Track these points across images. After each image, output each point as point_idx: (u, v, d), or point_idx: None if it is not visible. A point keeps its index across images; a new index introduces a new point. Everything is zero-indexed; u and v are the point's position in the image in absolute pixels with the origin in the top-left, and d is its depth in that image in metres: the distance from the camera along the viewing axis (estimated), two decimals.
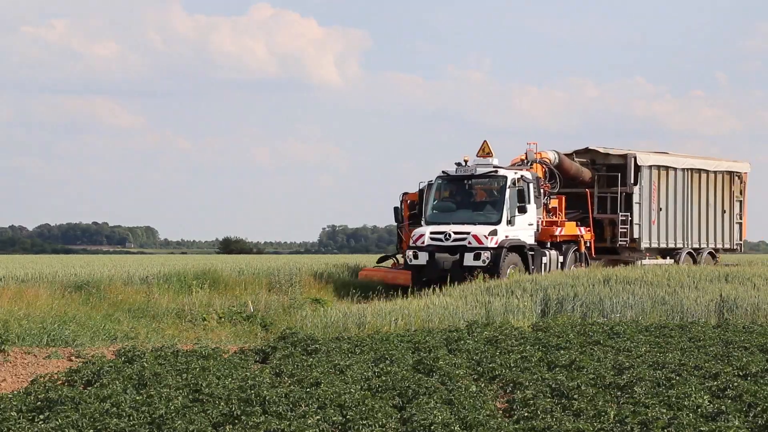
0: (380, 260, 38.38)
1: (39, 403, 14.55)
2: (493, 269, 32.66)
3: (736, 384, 15.47)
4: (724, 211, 42.52)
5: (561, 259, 35.59)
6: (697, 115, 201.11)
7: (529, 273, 33.41)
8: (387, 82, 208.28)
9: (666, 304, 27.52)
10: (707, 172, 41.68)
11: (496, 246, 33.10)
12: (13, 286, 27.74)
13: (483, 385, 16.59)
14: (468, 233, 33.20)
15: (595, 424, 13.28)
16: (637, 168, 38.63)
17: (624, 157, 38.76)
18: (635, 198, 38.56)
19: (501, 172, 34.42)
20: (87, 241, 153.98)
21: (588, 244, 36.94)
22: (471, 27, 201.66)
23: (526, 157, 36.05)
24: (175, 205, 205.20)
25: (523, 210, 34.01)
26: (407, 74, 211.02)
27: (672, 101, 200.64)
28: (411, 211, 36.08)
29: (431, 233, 33.49)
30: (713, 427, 12.76)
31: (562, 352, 19.50)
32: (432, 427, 12.98)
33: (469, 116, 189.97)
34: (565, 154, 38.04)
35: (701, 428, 12.77)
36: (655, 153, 40.47)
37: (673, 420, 13.17)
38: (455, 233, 33.28)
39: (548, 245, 35.35)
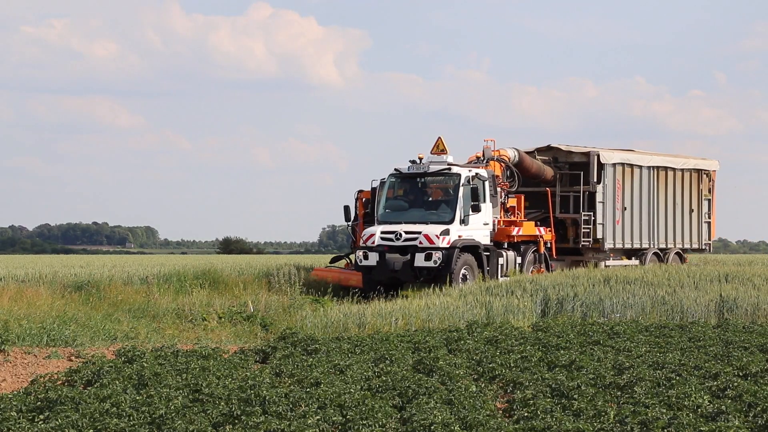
0: (333, 260, 36.88)
1: (39, 403, 14.55)
2: (444, 270, 31.54)
3: (736, 384, 15.47)
4: (692, 210, 41.49)
5: (519, 260, 34.39)
6: (697, 115, 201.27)
7: (484, 275, 32.52)
8: (386, 81, 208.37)
9: (666, 304, 27.51)
10: (674, 170, 40.60)
11: (448, 246, 31.88)
12: (13, 286, 27.76)
13: (483, 385, 16.59)
14: (419, 233, 32.03)
15: (595, 424, 13.28)
16: (601, 166, 37.60)
17: (587, 154, 37.65)
18: (598, 197, 37.53)
19: (455, 169, 33.14)
20: (87, 241, 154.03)
21: (548, 245, 35.90)
22: (470, 27, 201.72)
23: (483, 155, 34.96)
24: (175, 205, 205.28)
25: (477, 209, 32.78)
26: (407, 74, 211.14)
27: (671, 101, 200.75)
28: (365, 209, 35.00)
29: (382, 233, 32.38)
30: (713, 427, 12.76)
31: (562, 352, 19.50)
32: (432, 427, 12.98)
33: (468, 116, 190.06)
34: (527, 152, 37.03)
35: (701, 428, 12.77)
36: (620, 150, 39.44)
37: (673, 420, 13.17)
38: (406, 233, 32.14)
39: (505, 246, 34.17)
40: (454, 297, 28.15)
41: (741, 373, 17.08)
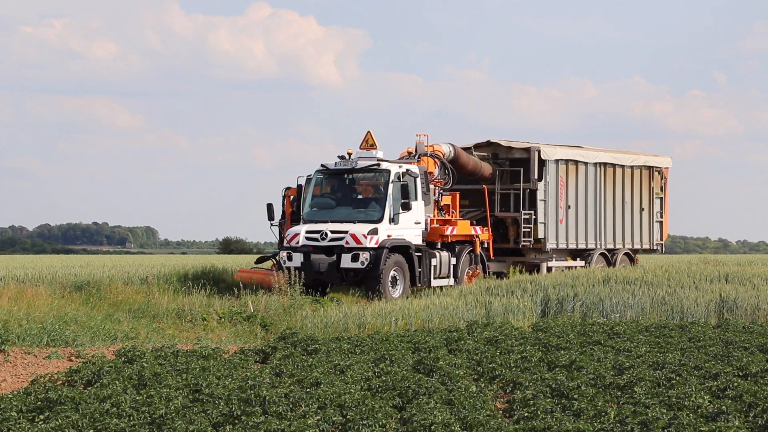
0: (259, 261, 34.52)
1: (39, 403, 14.55)
2: (372, 272, 29.91)
3: (736, 384, 15.47)
4: (642, 209, 39.49)
5: (453, 261, 32.54)
6: (697, 115, 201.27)
7: (416, 276, 30.95)
8: (386, 81, 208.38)
9: (666, 304, 27.53)
10: (623, 167, 38.65)
11: (376, 246, 30.11)
12: (13, 286, 27.74)
13: (483, 385, 16.60)
14: (346, 232, 30.30)
15: (595, 424, 13.28)
16: (542, 162, 35.66)
17: (527, 150, 35.78)
18: (540, 195, 35.57)
19: (384, 165, 31.23)
20: (87, 241, 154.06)
21: (485, 245, 34.00)
22: (470, 27, 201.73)
23: (415, 150, 33.11)
24: (175, 205, 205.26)
25: (407, 207, 30.81)
26: (406, 74, 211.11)
27: (671, 101, 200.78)
28: (293, 207, 33.13)
29: (307, 232, 30.70)
30: (713, 427, 12.77)
31: (562, 352, 19.50)
32: (432, 427, 12.98)
33: (468, 116, 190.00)
34: (465, 148, 35.47)
35: (701, 428, 12.77)
36: (565, 146, 37.51)
37: (673, 420, 13.17)
38: (332, 232, 30.44)
39: (439, 246, 32.32)
40: (454, 297, 28.17)
41: (741, 373, 17.08)
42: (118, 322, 24.34)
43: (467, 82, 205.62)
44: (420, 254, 31.32)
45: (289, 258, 30.57)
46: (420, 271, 31.17)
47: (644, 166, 39.57)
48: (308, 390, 15.36)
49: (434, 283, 31.66)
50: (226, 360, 18.77)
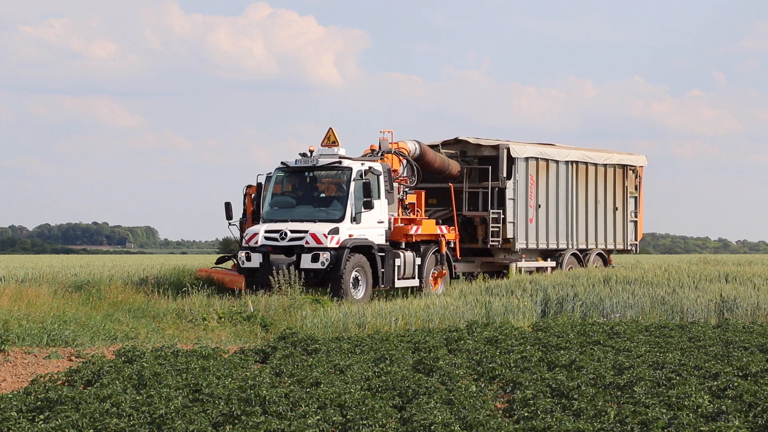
0: (219, 260, 33.44)
1: (39, 403, 14.55)
2: (333, 272, 29.00)
3: (736, 384, 15.47)
4: (615, 209, 38.62)
5: (418, 261, 31.48)
6: (696, 115, 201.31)
7: (379, 277, 30.03)
8: (386, 81, 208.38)
9: (666, 304, 27.54)
10: (595, 165, 37.79)
11: (337, 246, 29.19)
12: (13, 286, 27.74)
13: (483, 385, 16.59)
14: (306, 232, 29.38)
15: (595, 424, 13.28)
16: (511, 160, 34.81)
17: (496, 148, 34.89)
18: (509, 193, 34.74)
19: (345, 163, 30.25)
20: (87, 241, 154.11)
21: (452, 245, 32.95)
22: (469, 27, 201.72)
23: (379, 147, 32.09)
24: (175, 205, 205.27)
25: (369, 206, 29.76)
26: (406, 74, 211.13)
27: (671, 101, 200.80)
28: (254, 206, 32.00)
29: (266, 232, 29.74)
30: (713, 427, 12.77)
31: (562, 352, 19.50)
32: (432, 427, 12.98)
33: (468, 116, 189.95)
34: (432, 145, 34.72)
35: (701, 428, 12.77)
36: (535, 144, 36.61)
37: (673, 420, 13.17)
38: (292, 232, 29.50)
39: (403, 246, 31.32)
40: (454, 297, 28.18)
41: (741, 373, 17.08)
42: (118, 322, 24.34)
43: (467, 82, 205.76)
44: (383, 254, 30.41)
45: (248, 258, 29.71)
46: (383, 272, 30.26)
47: (618, 164, 38.72)
48: (308, 390, 15.36)
49: (398, 283, 30.78)
50: (226, 360, 18.76)
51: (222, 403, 14.37)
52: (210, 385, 15.67)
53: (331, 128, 31.17)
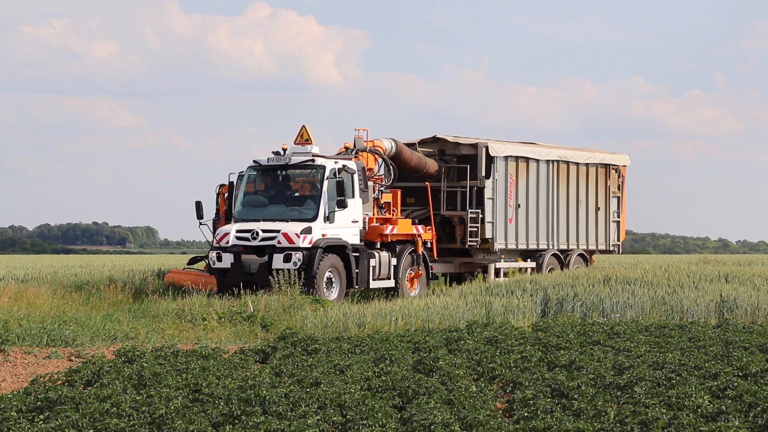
0: (191, 261, 32.95)
1: (39, 403, 14.55)
2: (306, 273, 28.52)
3: (736, 384, 15.47)
4: (598, 209, 37.97)
5: (394, 261, 31.06)
6: (696, 115, 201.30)
7: (353, 277, 29.62)
8: (386, 81, 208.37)
9: (666, 304, 27.54)
10: (577, 164, 37.14)
11: (310, 246, 28.75)
12: (13, 286, 27.77)
13: (483, 385, 16.60)
14: (278, 231, 28.93)
15: (595, 424, 13.29)
16: (490, 159, 34.23)
17: (475, 146, 34.26)
18: (487, 193, 34.14)
19: (319, 161, 29.74)
20: (87, 241, 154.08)
21: (428, 245, 32.52)
22: (469, 27, 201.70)
23: (354, 146, 31.60)
24: (175, 205, 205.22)
25: (343, 205, 29.23)
26: (406, 74, 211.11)
27: (671, 101, 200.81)
28: (227, 205, 31.60)
29: (237, 231, 29.32)
30: (713, 427, 12.77)
31: (562, 352, 19.50)
32: (432, 427, 12.98)
33: (467, 116, 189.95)
34: (409, 143, 34.06)
35: (701, 428, 12.78)
36: (515, 143, 36.06)
37: (673, 420, 13.18)
38: (264, 231, 29.06)
39: (378, 246, 30.89)
40: (454, 297, 28.18)
41: (741, 373, 17.08)
42: (118, 322, 24.35)
43: (467, 82, 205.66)
44: (357, 254, 29.95)
45: (219, 259, 29.31)
46: (357, 272, 29.82)
47: (600, 163, 38.18)
48: (308, 390, 15.36)
49: (373, 284, 30.41)
50: (226, 360, 18.77)
51: (222, 403, 14.37)
52: (210, 385, 15.67)
53: (304, 126, 30.67)
